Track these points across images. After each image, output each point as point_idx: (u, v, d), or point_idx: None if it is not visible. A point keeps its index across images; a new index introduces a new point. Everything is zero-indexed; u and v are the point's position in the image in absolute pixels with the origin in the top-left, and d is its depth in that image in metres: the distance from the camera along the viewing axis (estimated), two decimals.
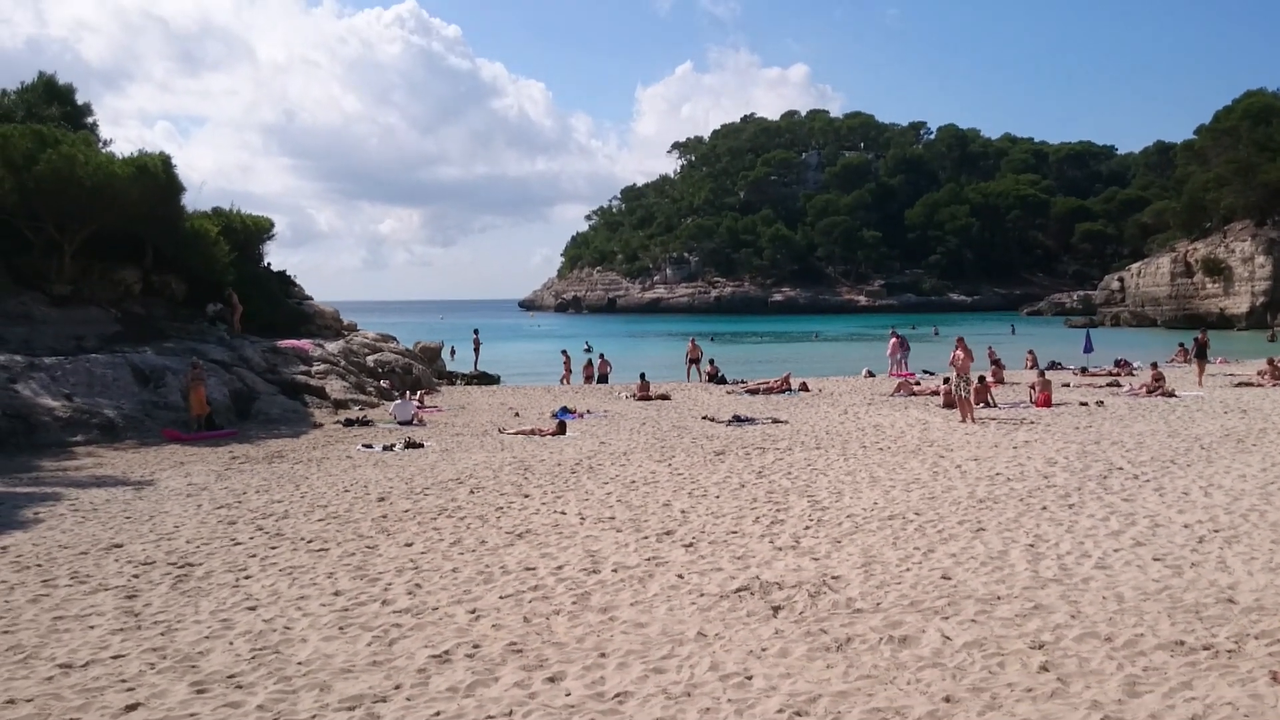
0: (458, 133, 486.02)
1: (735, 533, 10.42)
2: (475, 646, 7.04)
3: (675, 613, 7.73)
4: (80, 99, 30.07)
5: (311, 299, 34.88)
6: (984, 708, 5.80)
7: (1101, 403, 23.18)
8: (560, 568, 9.13)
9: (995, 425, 19.39)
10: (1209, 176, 79.18)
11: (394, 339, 34.64)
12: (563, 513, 11.65)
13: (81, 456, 16.86)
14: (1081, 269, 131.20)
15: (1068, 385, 27.81)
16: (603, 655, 6.83)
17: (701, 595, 8.16)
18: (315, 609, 7.99)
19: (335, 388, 24.56)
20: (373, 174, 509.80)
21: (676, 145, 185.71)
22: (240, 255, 28.92)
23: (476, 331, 41.59)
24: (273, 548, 10.14)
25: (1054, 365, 34.54)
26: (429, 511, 11.85)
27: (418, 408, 22.84)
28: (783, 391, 27.95)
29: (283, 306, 31.37)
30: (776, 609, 7.74)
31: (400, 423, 21.19)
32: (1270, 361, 28.55)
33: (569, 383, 34.48)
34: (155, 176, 24.39)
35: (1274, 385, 26.76)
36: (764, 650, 6.84)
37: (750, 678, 6.35)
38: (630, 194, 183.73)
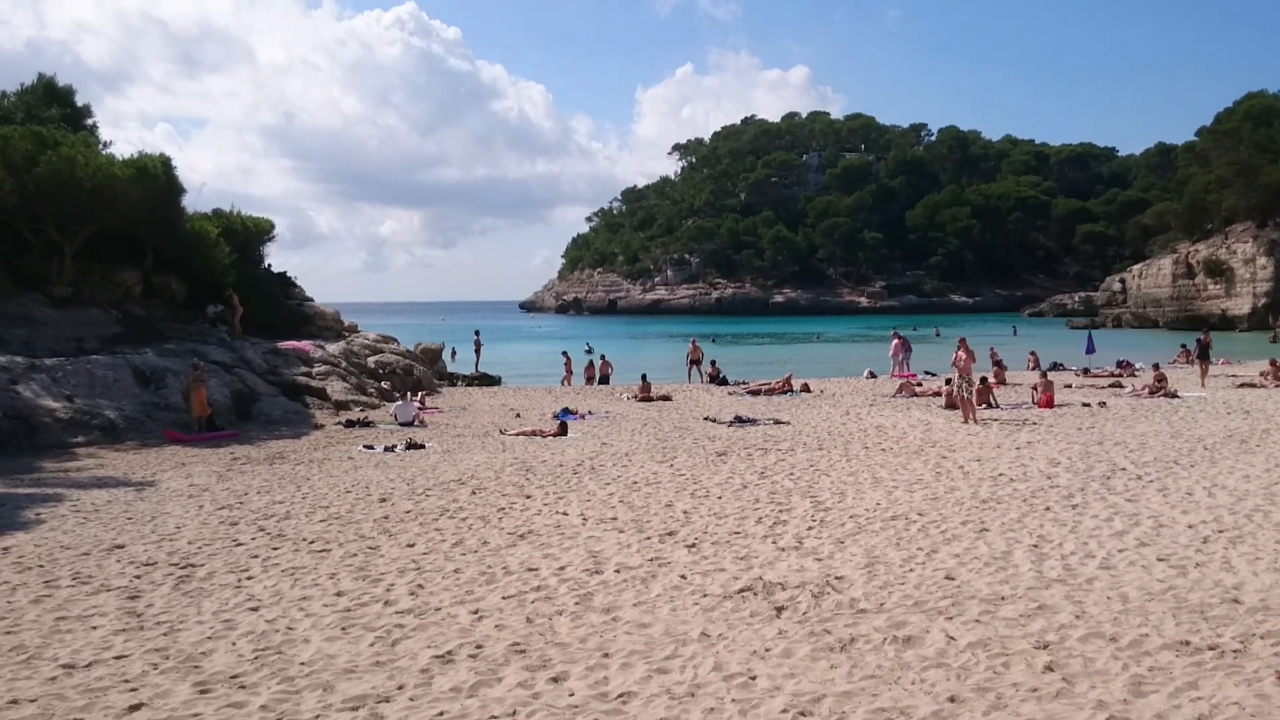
0: (458, 134, 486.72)
1: (738, 533, 10.41)
2: (478, 647, 7.02)
3: (678, 613, 7.71)
4: (80, 101, 30.10)
5: (312, 300, 34.86)
6: (989, 708, 5.78)
7: (1104, 403, 23.16)
8: (563, 568, 9.11)
9: (998, 426, 19.37)
10: (1210, 178, 79.16)
11: (395, 340, 34.62)
12: (565, 513, 11.63)
13: (83, 458, 16.84)
14: (1083, 270, 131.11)
15: (1070, 386, 27.79)
16: (606, 655, 6.81)
17: (704, 596, 8.14)
18: (318, 609, 7.97)
19: (336, 389, 24.55)
20: (373, 176, 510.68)
21: (677, 147, 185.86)
22: (241, 257, 28.91)
23: (477, 333, 41.58)
24: (275, 548, 10.13)
25: (1056, 366, 34.55)
26: (431, 512, 11.84)
27: (419, 409, 22.83)
28: (784, 392, 27.94)
29: (283, 308, 31.36)
30: (780, 609, 7.72)
31: (401, 424, 21.18)
32: (1273, 362, 28.51)
33: (570, 384, 34.47)
34: (155, 178, 24.40)
35: (1276, 386, 26.72)
36: (768, 650, 6.82)
37: (754, 678, 6.33)
38: (631, 195, 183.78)
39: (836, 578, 8.56)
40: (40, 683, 6.46)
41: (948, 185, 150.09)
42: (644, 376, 28.87)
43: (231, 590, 8.59)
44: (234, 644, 7.17)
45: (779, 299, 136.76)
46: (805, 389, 28.50)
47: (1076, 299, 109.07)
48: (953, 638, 6.95)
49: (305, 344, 27.42)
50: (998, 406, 22.72)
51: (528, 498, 12.69)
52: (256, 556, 9.78)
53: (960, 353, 22.03)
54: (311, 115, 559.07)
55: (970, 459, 15.13)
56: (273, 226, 33.49)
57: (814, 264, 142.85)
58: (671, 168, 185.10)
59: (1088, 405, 22.85)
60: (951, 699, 5.90)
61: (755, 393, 28.21)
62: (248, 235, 31.13)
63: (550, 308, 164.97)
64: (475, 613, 7.82)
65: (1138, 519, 10.63)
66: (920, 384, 28.64)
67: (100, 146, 27.14)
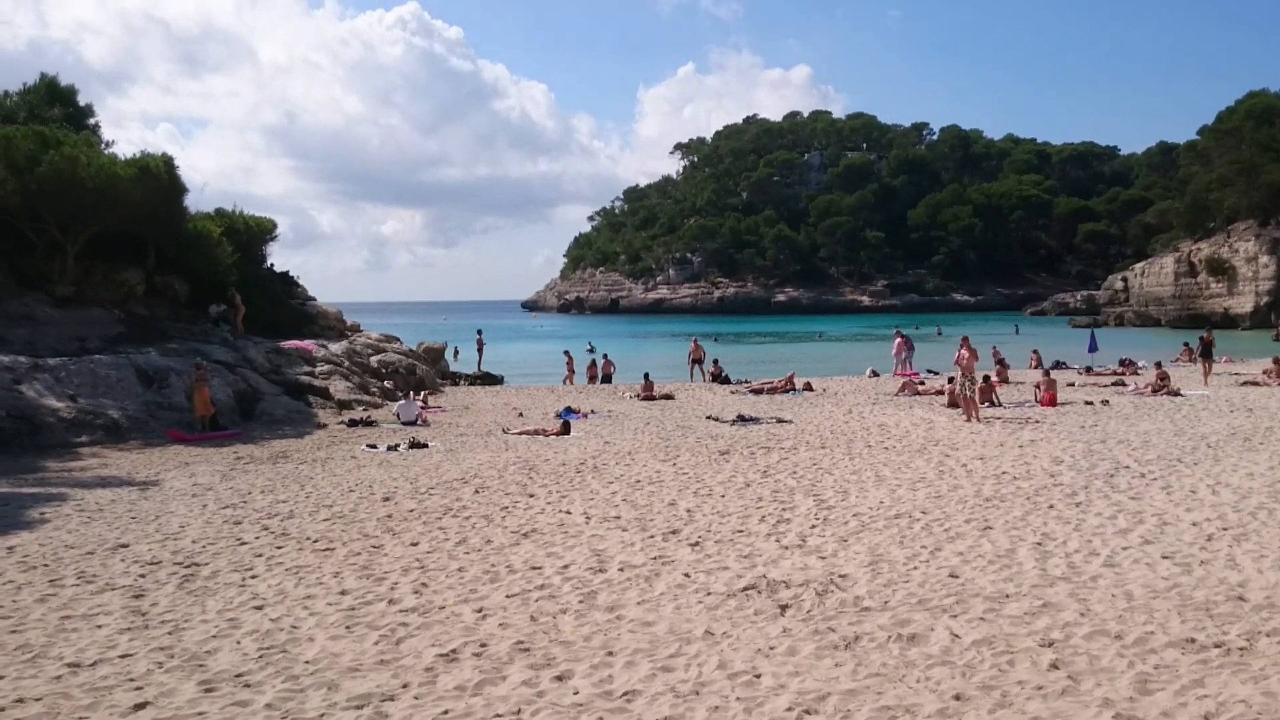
0: (460, 134, 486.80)
1: (741, 532, 10.40)
2: (482, 645, 7.02)
3: (682, 611, 7.70)
4: (82, 101, 30.05)
5: (314, 300, 34.86)
6: (994, 705, 5.77)
7: (1107, 402, 23.14)
8: (566, 567, 9.11)
9: (1000, 424, 19.36)
10: (1212, 177, 79.11)
11: (397, 339, 34.62)
12: (568, 512, 11.63)
13: (86, 457, 16.85)
14: (1085, 269, 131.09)
15: (1072, 385, 27.75)
16: (610, 654, 6.81)
17: (708, 594, 8.14)
18: (322, 608, 7.98)
19: (339, 388, 24.55)
20: (375, 175, 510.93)
21: (679, 146, 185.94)
22: (243, 256, 28.91)
23: (480, 332, 41.62)
24: (279, 547, 10.13)
25: (1058, 365, 34.50)
26: (434, 511, 11.84)
27: (422, 408, 22.84)
28: (787, 391, 27.92)
29: (286, 307, 31.35)
30: (784, 607, 7.72)
31: (404, 423, 21.19)
32: (1276, 360, 28.47)
33: (572, 383, 34.48)
34: (158, 177, 24.40)
35: (1279, 384, 26.69)
36: (772, 649, 6.81)
37: (759, 676, 6.32)
38: (633, 195, 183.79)
39: (840, 576, 8.55)
40: (45, 681, 6.47)
41: (949, 184, 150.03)
42: (646, 375, 28.88)
43: (236, 589, 8.60)
44: (239, 643, 7.17)
45: (781, 298, 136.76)
46: (808, 388, 28.49)
47: (1079, 298, 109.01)
48: (957, 635, 6.94)
49: (308, 343, 27.43)
50: (1000, 405, 22.70)
51: (531, 496, 12.69)
52: (260, 555, 9.79)
53: (963, 351, 22.03)
54: (313, 115, 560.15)
55: (973, 457, 15.12)
56: (275, 226, 33.49)
57: (816, 263, 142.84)
58: (673, 167, 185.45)
59: (1090, 403, 22.84)
60: (957, 697, 5.90)
61: (758, 391, 28.20)
62: (250, 235, 31.13)
63: (552, 307, 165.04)
64: (479, 611, 7.82)
65: (1142, 517, 10.62)
66: (923, 383, 28.61)
67: (103, 146, 27.13)
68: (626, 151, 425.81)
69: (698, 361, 34.95)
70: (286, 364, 24.98)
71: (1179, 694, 5.86)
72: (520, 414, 23.65)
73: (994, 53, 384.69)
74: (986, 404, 21.83)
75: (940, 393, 24.52)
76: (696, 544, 9.87)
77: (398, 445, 17.93)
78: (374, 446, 17.91)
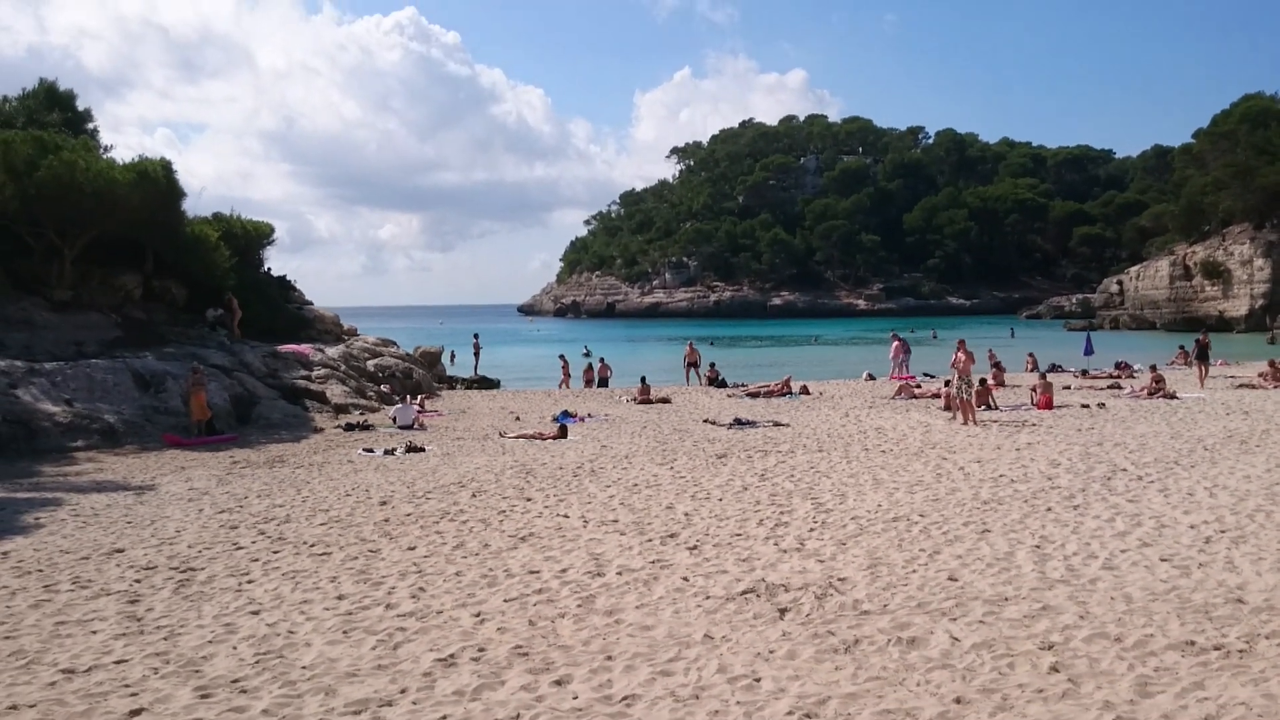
0: (457, 138, 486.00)
1: (739, 535, 10.38)
2: (481, 650, 6.99)
3: (681, 615, 7.68)
4: (80, 106, 30.09)
5: (311, 304, 34.82)
6: (995, 708, 5.76)
7: (1103, 405, 23.16)
8: (564, 571, 9.09)
9: (997, 428, 19.36)
10: (1207, 180, 79.32)
11: (394, 344, 34.59)
12: (565, 516, 11.61)
13: (82, 462, 16.80)
14: (1080, 272, 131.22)
15: (1068, 388, 27.79)
16: (609, 658, 6.78)
17: (707, 598, 8.11)
18: (319, 613, 7.94)
19: (336, 392, 24.52)
20: (372, 180, 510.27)
21: (675, 150, 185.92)
22: (240, 261, 28.89)
23: (476, 336, 41.57)
24: (275, 552, 10.09)
25: (1054, 368, 34.56)
26: (431, 515, 11.81)
27: (418, 412, 22.80)
28: (783, 395, 27.92)
29: (283, 311, 31.31)
30: (783, 611, 7.70)
31: (401, 427, 21.15)
32: (1271, 363, 28.53)
33: (568, 387, 34.45)
34: (156, 182, 24.37)
35: (1275, 387, 26.72)
36: (771, 652, 6.79)
37: (758, 680, 6.30)
38: (629, 199, 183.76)
39: (839, 579, 8.54)
40: (40, 688, 6.43)
41: (945, 188, 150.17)
42: (643, 379, 28.86)
43: (232, 594, 8.56)
44: (235, 648, 7.13)
45: (777, 301, 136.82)
46: (804, 391, 28.49)
47: (1074, 301, 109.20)
48: (957, 639, 6.93)
49: (305, 347, 27.40)
50: (997, 408, 22.71)
51: (528, 500, 12.67)
52: (257, 560, 9.75)
53: (960, 354, 22.06)
54: (311, 120, 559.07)
55: (970, 460, 15.12)
56: (272, 230, 33.47)
57: (812, 266, 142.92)
58: (669, 171, 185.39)
59: (1087, 406, 22.85)
60: (957, 700, 5.88)
61: (755, 395, 28.19)
62: (247, 239, 31.11)
63: (549, 311, 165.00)
64: (477, 615, 7.79)
65: (1139, 520, 10.61)
66: (919, 386, 28.63)
67: (101, 151, 27.13)
68: (623, 156, 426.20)
69: (693, 365, 34.93)
70: (283, 368, 24.94)
71: (1179, 696, 5.84)
72: (517, 418, 23.62)
73: (989, 57, 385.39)
74: (983, 407, 21.84)
75: (936, 396, 24.53)
76: (695, 548, 9.85)
77: (394, 449, 17.89)
78: (370, 450, 17.87)
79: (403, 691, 6.26)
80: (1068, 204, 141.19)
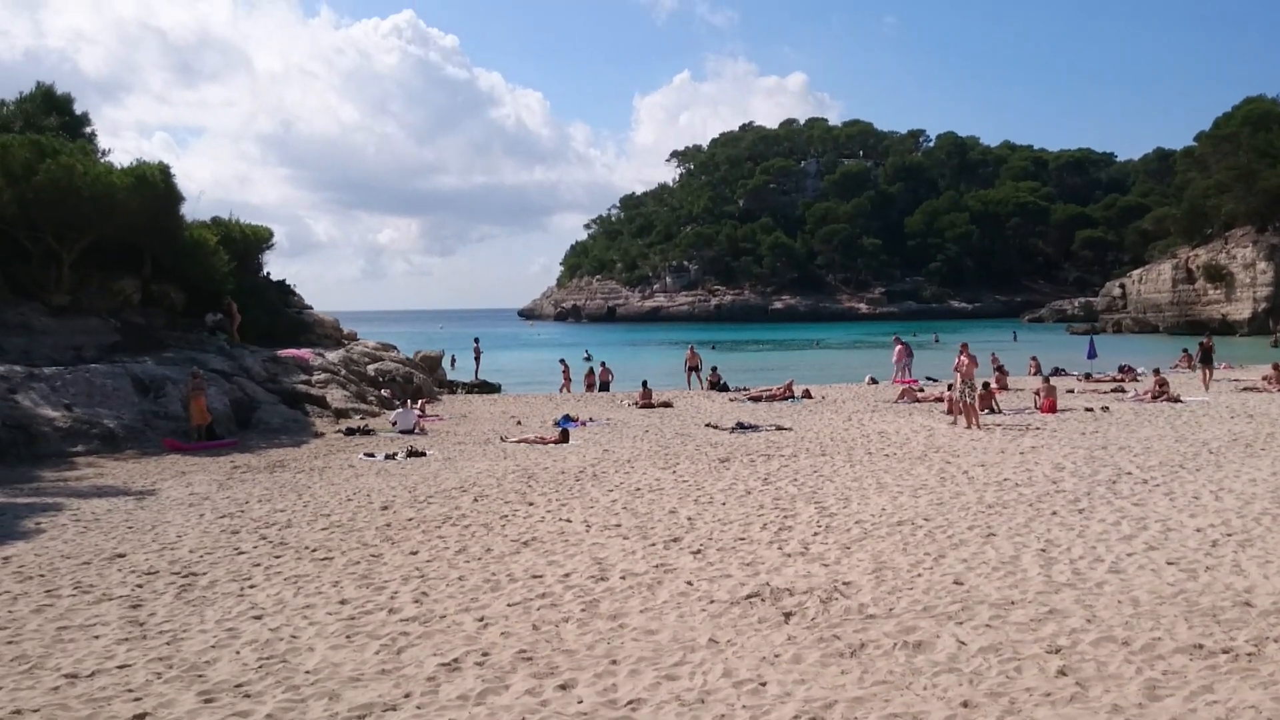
0: (455, 142, 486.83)
1: (743, 539, 10.34)
2: (485, 654, 6.95)
3: (686, 619, 7.64)
4: (78, 110, 30.07)
5: (311, 308, 34.83)
6: (1003, 713, 5.72)
7: (1107, 408, 23.12)
8: (567, 575, 9.05)
9: (1001, 431, 19.33)
10: (1209, 183, 79.33)
11: (394, 348, 34.57)
12: (568, 520, 11.57)
13: (82, 467, 16.76)
14: (1082, 276, 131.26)
15: (1072, 391, 27.75)
16: (614, 662, 6.74)
17: (711, 602, 8.07)
18: (322, 617, 7.90)
19: (336, 397, 24.49)
20: (370, 184, 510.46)
21: (675, 154, 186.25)
22: (239, 265, 28.87)
23: (477, 340, 41.58)
24: (277, 557, 10.05)
25: (1058, 371, 34.53)
26: (433, 520, 11.77)
27: (419, 417, 22.76)
28: (785, 398, 27.88)
29: (282, 316, 31.30)
30: (788, 615, 7.66)
31: (402, 431, 21.11)
32: (1275, 366, 28.48)
33: (569, 391, 34.41)
34: (154, 186, 24.34)
35: (1279, 390, 26.68)
36: (777, 656, 6.75)
37: (764, 684, 6.26)
38: (629, 202, 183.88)
39: (844, 583, 8.49)
40: (43, 693, 6.39)
41: (946, 191, 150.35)
42: (645, 383, 28.82)
43: (234, 599, 8.52)
44: (238, 653, 7.10)
45: (778, 305, 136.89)
46: (806, 395, 28.45)
47: (1076, 304, 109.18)
48: (963, 643, 6.88)
49: (305, 352, 27.37)
50: (1000, 412, 22.67)
51: (530, 505, 12.62)
52: (259, 565, 9.71)
53: (963, 358, 21.95)
54: (309, 123, 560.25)
55: (974, 464, 15.08)
56: (271, 235, 33.46)
57: (813, 270, 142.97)
58: (670, 175, 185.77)
59: (1090, 410, 22.81)
60: (965, 704, 5.84)
61: (757, 399, 28.15)
62: (246, 243, 31.09)
63: (549, 315, 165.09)
64: (481, 620, 7.75)
65: (1145, 523, 10.57)
66: (922, 390, 28.60)
67: (99, 155, 27.10)
68: (623, 159, 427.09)
69: (694, 369, 34.91)
70: (283, 373, 24.91)
71: (1188, 700, 5.80)
72: (519, 422, 23.58)
73: (990, 59, 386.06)
74: (986, 411, 21.80)
75: (939, 400, 24.49)
76: (698, 552, 9.81)
77: (395, 454, 17.85)
78: (371, 455, 17.83)
79: (406, 696, 6.22)
80: (1069, 207, 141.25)
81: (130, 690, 6.41)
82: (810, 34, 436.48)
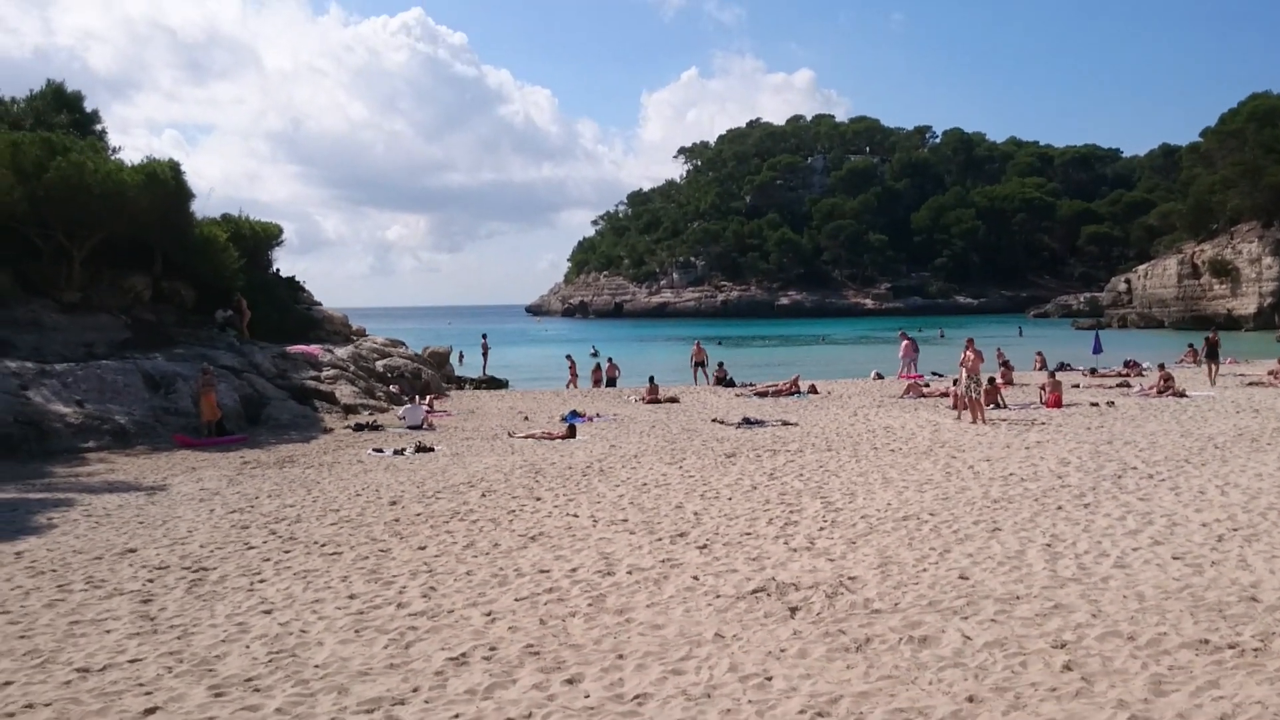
0: (464, 139, 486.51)
1: (749, 534, 10.38)
2: (492, 649, 7.00)
3: (692, 614, 7.68)
4: (88, 107, 30.13)
5: (320, 305, 34.92)
6: (1008, 707, 5.75)
7: (1112, 403, 23.10)
8: (574, 570, 9.09)
9: (1006, 426, 19.32)
10: (1215, 179, 79.05)
11: (403, 344, 34.66)
12: (575, 515, 11.61)
13: (93, 462, 16.86)
14: (1088, 271, 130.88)
15: (1077, 386, 27.72)
16: (620, 657, 6.78)
17: (718, 596, 8.11)
18: (331, 612, 7.96)
19: (345, 393, 24.56)
20: (379, 181, 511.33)
21: (682, 150, 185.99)
22: (249, 262, 28.95)
23: (484, 336, 41.64)
24: (286, 552, 10.12)
25: (1063, 366, 34.46)
26: (441, 515, 11.83)
27: (428, 412, 22.83)
28: (791, 394, 27.90)
29: (292, 312, 31.39)
30: (794, 610, 7.69)
31: (410, 427, 21.18)
32: None
33: (576, 386, 34.47)
34: (164, 183, 24.42)
35: None
36: (783, 651, 6.79)
37: (770, 679, 6.30)
38: (636, 199, 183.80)
39: (850, 578, 8.53)
40: (55, 687, 6.46)
41: (952, 187, 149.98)
42: (651, 379, 28.88)
43: (244, 593, 8.59)
44: (248, 647, 7.16)
45: (784, 301, 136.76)
46: (813, 390, 28.46)
47: (1082, 300, 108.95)
48: (969, 637, 6.92)
49: (314, 348, 27.46)
50: (1006, 406, 22.67)
51: (538, 500, 12.68)
52: (268, 560, 9.78)
53: (968, 353, 21.95)
54: (318, 121, 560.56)
55: (980, 459, 15.09)
56: (281, 231, 33.53)
57: (819, 266, 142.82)
58: (677, 171, 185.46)
59: (1096, 405, 22.79)
60: (970, 699, 5.87)
61: (763, 394, 28.18)
62: (256, 240, 31.18)
63: (556, 311, 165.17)
64: (488, 614, 7.80)
65: (1151, 518, 10.58)
66: (927, 385, 28.60)
67: (109, 153, 27.18)
68: (630, 156, 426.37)
69: (700, 364, 34.94)
70: (292, 369, 25.01)
71: (1194, 695, 5.82)
72: (526, 418, 23.64)
73: (996, 56, 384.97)
74: (992, 405, 21.79)
75: (945, 395, 24.49)
76: (704, 547, 9.85)
77: (404, 449, 17.92)
78: (380, 450, 17.90)
79: (415, 690, 6.28)
80: (1075, 203, 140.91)
81: (141, 684, 6.47)
82: (818, 31, 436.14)
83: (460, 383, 35.66)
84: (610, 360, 36.20)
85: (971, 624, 7.20)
